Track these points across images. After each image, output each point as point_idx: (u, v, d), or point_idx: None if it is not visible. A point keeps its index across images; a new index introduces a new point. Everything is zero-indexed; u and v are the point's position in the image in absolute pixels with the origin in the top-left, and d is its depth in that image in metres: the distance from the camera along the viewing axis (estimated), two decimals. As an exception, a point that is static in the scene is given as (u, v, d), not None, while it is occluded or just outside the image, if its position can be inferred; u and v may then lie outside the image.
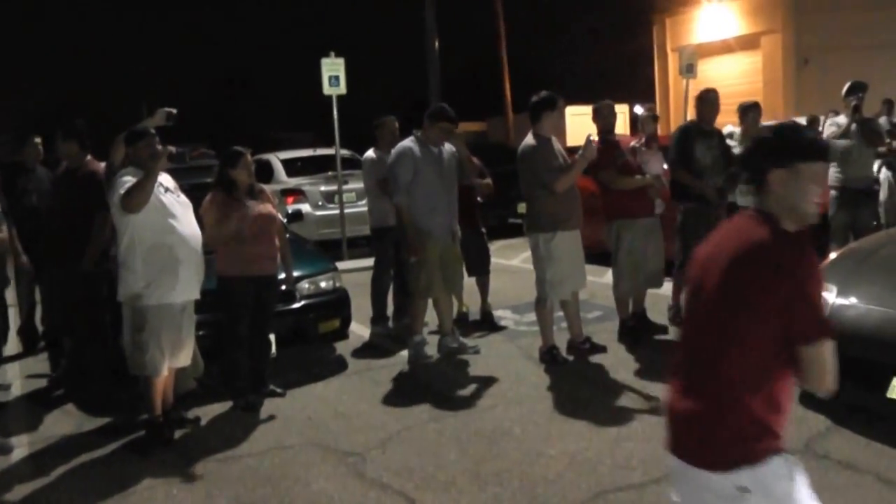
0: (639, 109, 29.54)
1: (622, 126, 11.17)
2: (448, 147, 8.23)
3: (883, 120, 11.83)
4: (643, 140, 9.01)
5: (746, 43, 29.46)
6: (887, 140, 11.09)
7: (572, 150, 8.20)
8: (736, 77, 29.61)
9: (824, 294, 6.36)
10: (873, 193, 9.32)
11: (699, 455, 2.84)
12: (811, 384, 2.72)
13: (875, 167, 9.58)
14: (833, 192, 9.25)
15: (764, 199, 2.89)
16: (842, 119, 9.45)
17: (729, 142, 9.20)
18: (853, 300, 6.30)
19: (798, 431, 5.99)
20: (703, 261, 2.97)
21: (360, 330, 9.41)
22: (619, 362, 7.97)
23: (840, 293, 6.37)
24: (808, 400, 6.51)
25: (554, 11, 43.67)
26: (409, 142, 8.18)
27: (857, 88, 9.34)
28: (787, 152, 2.84)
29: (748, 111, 9.38)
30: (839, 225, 9.06)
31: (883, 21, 24.75)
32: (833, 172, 9.26)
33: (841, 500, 5.00)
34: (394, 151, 8.27)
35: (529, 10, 41.09)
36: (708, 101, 9.02)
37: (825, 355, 2.67)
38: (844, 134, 9.26)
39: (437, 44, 22.23)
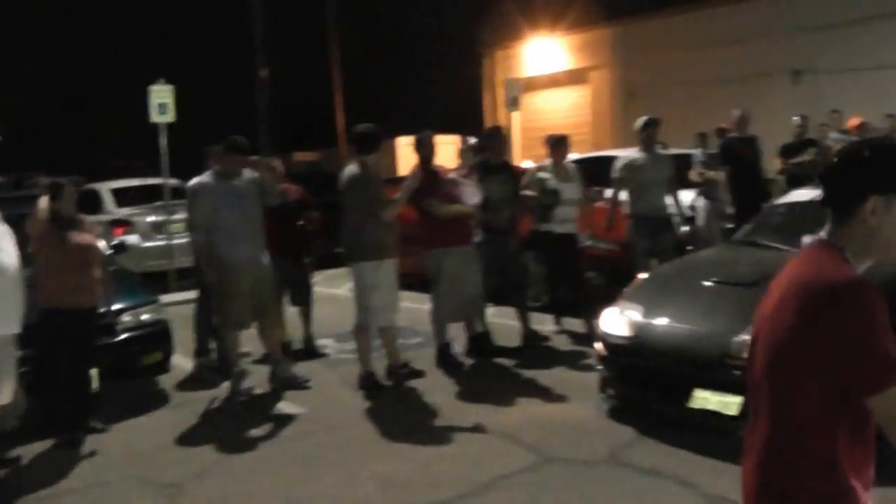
0: (472, 140, 30.21)
1: (454, 156, 11.44)
2: (247, 176, 8.14)
3: (698, 152, 12.48)
4: (463, 171, 9.25)
5: (575, 77, 30.49)
6: (700, 171, 11.71)
7: (400, 180, 8.37)
8: (565, 110, 30.63)
9: (633, 313, 6.70)
10: (669, 220, 9.77)
11: None
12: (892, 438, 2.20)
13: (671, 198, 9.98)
14: (631, 221, 9.65)
15: (842, 229, 2.36)
16: (635, 153, 9.85)
17: (542, 174, 9.51)
18: (657, 319, 6.63)
19: (604, 442, 6.27)
20: (774, 292, 2.46)
21: (184, 362, 9.26)
22: (435, 386, 8.09)
23: (646, 312, 6.70)
24: (615, 412, 6.80)
25: (389, 42, 44.10)
26: (205, 176, 8.07)
27: (650, 124, 9.79)
28: (889, 179, 2.31)
29: (557, 144, 9.75)
30: (641, 251, 9.47)
31: (702, 61, 26.02)
32: (630, 203, 9.68)
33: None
34: (189, 188, 8.19)
35: (364, 40, 41.36)
36: (496, 138, 9.56)
37: (887, 405, 2.18)
38: (643, 168, 9.66)
39: (266, 72, 22.19)
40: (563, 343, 9.38)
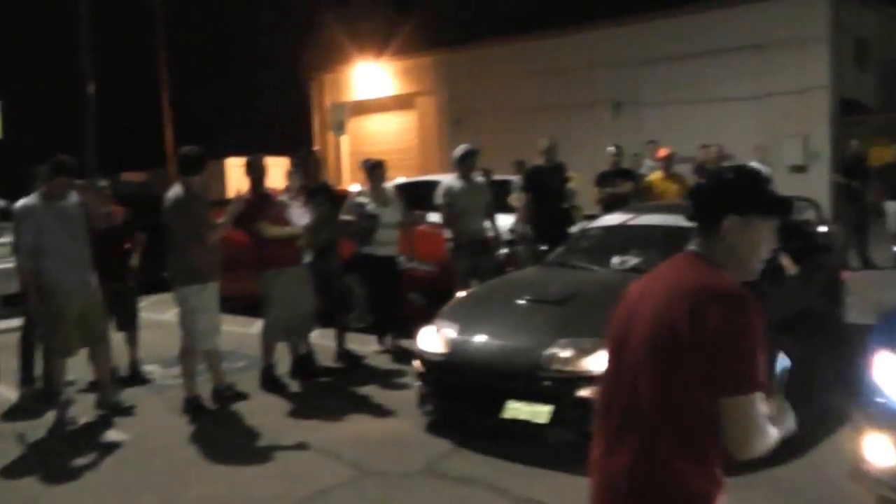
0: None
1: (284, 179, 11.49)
2: (74, 198, 8.00)
3: (516, 179, 12.99)
4: (291, 193, 9.39)
5: (402, 102, 30.99)
6: (518, 196, 12.21)
7: (226, 203, 8.44)
8: (393, 134, 31.07)
9: (448, 331, 6.99)
10: (488, 243, 10.18)
11: None
12: (734, 443, 2.45)
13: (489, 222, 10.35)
14: (451, 245, 10.02)
15: (708, 243, 2.65)
16: (454, 180, 10.20)
17: (360, 199, 9.77)
18: (472, 336, 6.94)
19: (421, 454, 6.54)
20: (632, 301, 2.72)
21: (9, 392, 9.03)
22: (260, 408, 8.18)
23: (461, 330, 7.01)
24: (433, 426, 7.08)
25: (219, 62, 43.67)
26: (31, 198, 7.88)
27: (469, 155, 10.18)
28: (747, 200, 2.63)
29: (374, 169, 10.05)
30: (461, 272, 9.81)
31: (526, 89, 26.92)
32: (450, 227, 10.05)
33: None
34: (15, 210, 7.96)
35: (195, 60, 40.82)
36: (308, 161, 9.84)
37: (753, 411, 2.42)
38: (461, 194, 10.01)
39: (93, 88, 21.69)
40: (385, 362, 9.62)
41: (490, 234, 10.27)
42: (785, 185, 17.71)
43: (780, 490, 5.71)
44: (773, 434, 2.52)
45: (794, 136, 23.47)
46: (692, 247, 2.67)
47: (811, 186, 20.78)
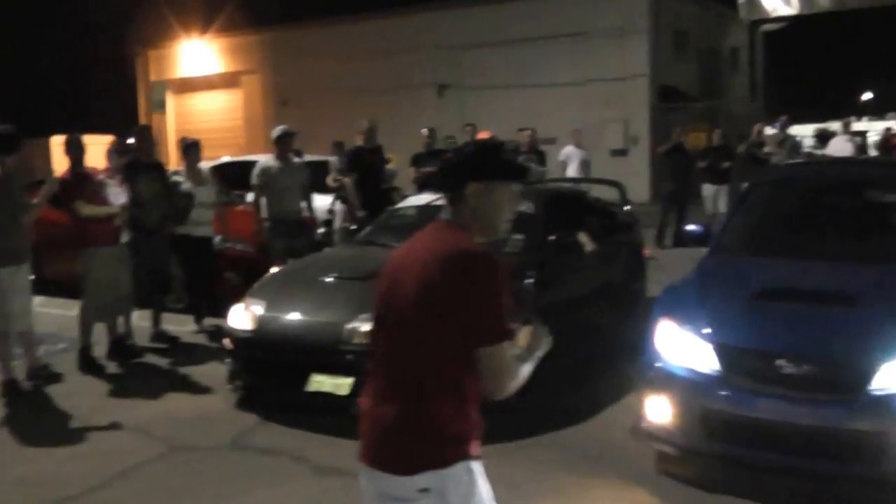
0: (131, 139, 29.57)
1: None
2: None
3: (334, 159, 13.26)
4: (110, 172, 9.37)
5: (228, 81, 30.76)
6: (336, 177, 12.49)
7: (41, 182, 8.39)
8: (219, 113, 30.81)
9: (257, 308, 7.24)
10: (304, 223, 10.41)
11: (388, 460, 2.84)
12: (490, 387, 2.77)
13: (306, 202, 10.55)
14: (268, 224, 10.21)
15: (457, 210, 2.92)
16: (272, 160, 10.40)
17: (176, 178, 9.87)
18: (278, 312, 7.21)
19: (229, 429, 6.79)
20: (393, 268, 2.96)
21: None
22: (76, 389, 8.19)
23: (268, 307, 7.27)
24: (242, 402, 7.33)
25: (41, 38, 42.06)
26: None
27: (285, 136, 10.37)
28: (486, 168, 2.91)
29: (189, 149, 10.16)
30: (278, 250, 9.99)
31: (353, 71, 27.14)
32: (267, 206, 10.23)
33: (258, 480, 5.84)
34: None
35: (17, 33, 39.23)
36: (144, 136, 9.88)
37: (502, 358, 2.73)
38: (278, 174, 10.22)
39: None
40: (201, 341, 9.75)
41: (307, 214, 10.50)
42: (607, 168, 18.78)
43: (567, 449, 6.24)
44: (525, 372, 2.83)
45: (615, 122, 24.63)
46: (443, 215, 2.94)
47: (632, 168, 21.87)
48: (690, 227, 7.37)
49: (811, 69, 76.43)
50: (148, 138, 9.97)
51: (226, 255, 10.35)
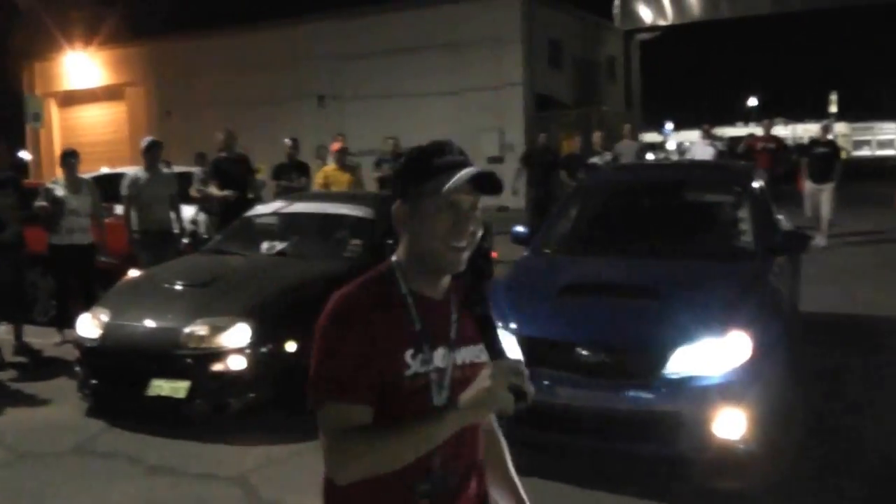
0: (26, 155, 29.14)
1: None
2: None
3: (198, 170, 13.42)
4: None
5: (112, 93, 30.54)
6: (199, 188, 12.64)
7: None
8: (104, 125, 30.58)
9: (103, 316, 7.41)
10: (172, 234, 10.54)
11: None
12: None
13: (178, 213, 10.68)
14: (136, 235, 10.31)
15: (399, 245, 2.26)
16: (140, 171, 10.54)
17: (50, 185, 9.97)
18: (123, 320, 7.40)
19: (74, 436, 6.96)
20: None
21: None
22: None
23: (114, 315, 7.46)
24: (91, 409, 7.50)
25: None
26: None
27: (153, 147, 10.53)
28: (410, 179, 2.19)
29: (67, 157, 10.16)
30: (145, 262, 10.03)
31: (235, 83, 27.19)
32: (136, 218, 10.35)
33: (94, 482, 6.04)
34: None
35: None
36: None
37: (321, 426, 2.06)
38: (146, 185, 10.35)
39: None
40: (65, 353, 9.81)
41: (176, 224, 10.63)
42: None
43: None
44: (373, 461, 2.01)
45: (490, 130, 25.15)
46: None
47: (507, 176, 22.31)
48: (516, 229, 7.76)
49: (692, 76, 78.52)
50: (2, 152, 10.00)
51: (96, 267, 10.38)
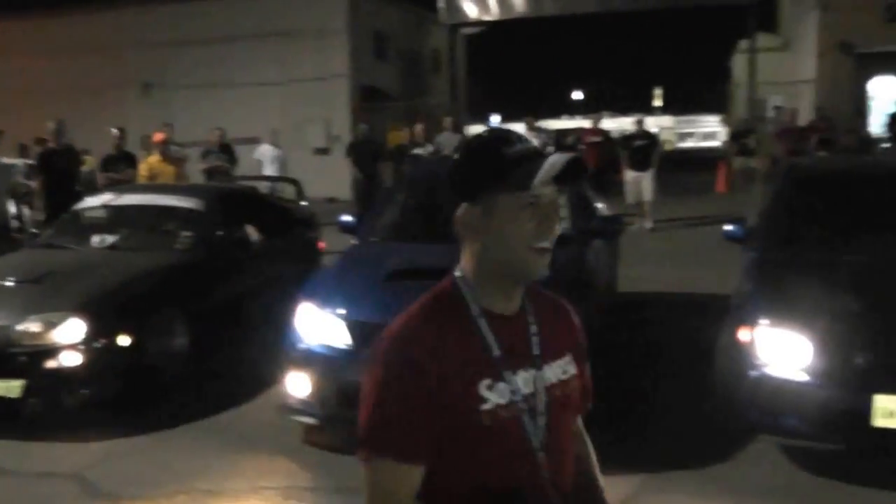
0: None
1: None
2: None
3: (20, 162, 13.16)
4: None
5: None
6: (22, 181, 12.39)
7: None
8: None
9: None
10: (7, 230, 10.32)
11: None
12: None
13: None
14: None
15: (463, 257, 2.02)
16: None
17: None
18: None
19: None
20: None
21: None
22: None
23: None
24: None
25: None
26: None
27: None
28: (477, 176, 1.93)
29: None
30: None
31: (53, 69, 26.32)
32: None
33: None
34: None
35: None
36: None
37: (366, 481, 1.90)
38: None
39: None
40: None
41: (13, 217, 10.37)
42: (310, 166, 19.35)
43: (222, 432, 6.75)
44: None
45: (316, 121, 25.29)
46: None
47: (335, 166, 22.59)
48: (342, 219, 8.05)
49: (520, 70, 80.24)
50: None
51: None
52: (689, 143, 64.96)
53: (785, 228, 6.75)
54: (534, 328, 2.01)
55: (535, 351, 1.99)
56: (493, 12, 27.81)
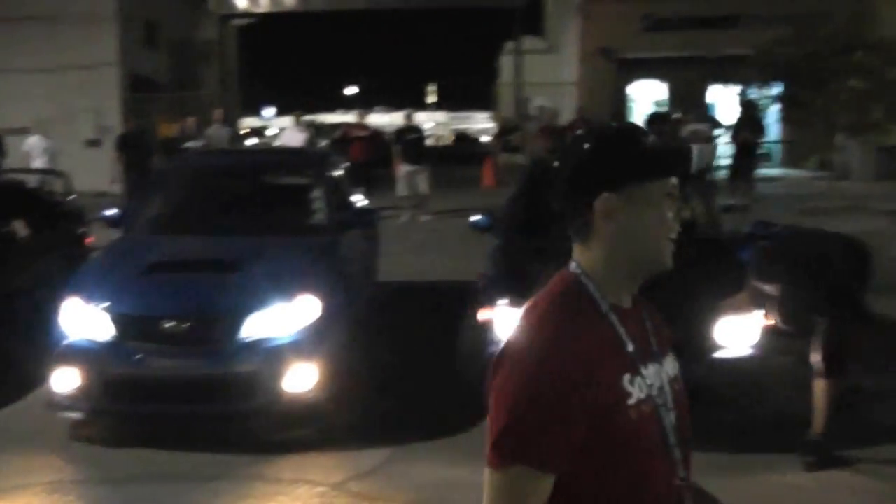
0: None
1: None
2: None
3: None
4: None
5: None
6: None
7: None
8: None
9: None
10: None
11: None
12: None
13: None
14: None
15: (584, 250, 1.93)
16: None
17: None
18: None
19: None
20: None
21: None
22: None
23: None
24: None
25: None
26: None
27: None
28: (623, 165, 1.89)
29: None
30: None
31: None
32: None
33: None
34: None
35: None
36: None
37: (488, 491, 1.81)
38: None
39: None
40: None
41: None
42: (82, 158, 18.70)
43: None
44: None
45: (86, 111, 24.44)
46: (571, 262, 1.96)
47: (106, 160, 21.90)
48: (107, 213, 8.06)
49: (296, 62, 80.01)
50: None
51: None
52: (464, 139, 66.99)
53: (526, 218, 7.38)
54: (648, 322, 1.98)
55: (654, 346, 1.96)
56: (264, 4, 27.81)
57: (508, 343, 1.85)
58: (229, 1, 27.58)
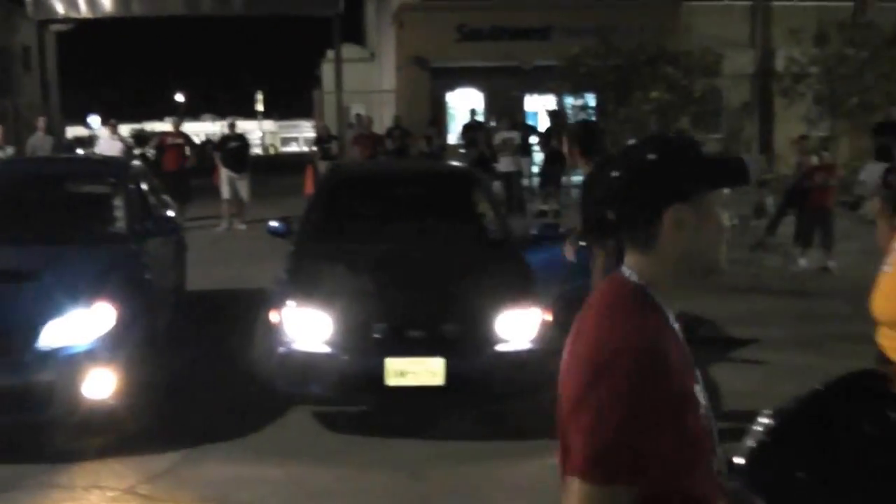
0: None
1: None
2: None
3: None
4: None
5: None
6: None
7: None
8: None
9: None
10: None
11: None
12: None
13: None
14: None
15: (644, 258, 1.95)
16: None
17: None
18: None
19: None
20: (567, 349, 2.00)
21: None
22: None
23: None
24: None
25: None
26: None
27: None
28: (690, 175, 1.92)
29: None
30: None
31: None
32: None
33: None
34: None
35: None
36: None
37: (587, 500, 1.77)
38: None
39: None
40: None
41: None
42: None
43: None
44: None
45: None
46: (624, 270, 1.98)
47: None
48: None
49: (122, 70, 78.09)
50: None
51: None
52: (291, 148, 66.70)
53: (320, 224, 7.72)
54: (682, 336, 1.98)
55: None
56: (82, 10, 27.03)
57: (597, 352, 1.83)
58: (47, 6, 26.68)
